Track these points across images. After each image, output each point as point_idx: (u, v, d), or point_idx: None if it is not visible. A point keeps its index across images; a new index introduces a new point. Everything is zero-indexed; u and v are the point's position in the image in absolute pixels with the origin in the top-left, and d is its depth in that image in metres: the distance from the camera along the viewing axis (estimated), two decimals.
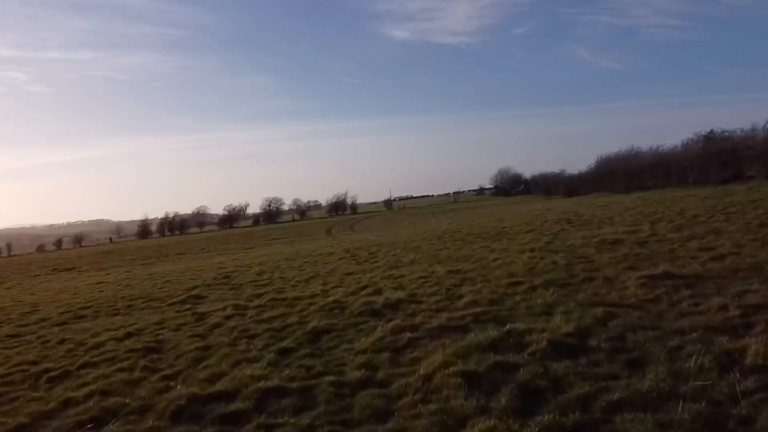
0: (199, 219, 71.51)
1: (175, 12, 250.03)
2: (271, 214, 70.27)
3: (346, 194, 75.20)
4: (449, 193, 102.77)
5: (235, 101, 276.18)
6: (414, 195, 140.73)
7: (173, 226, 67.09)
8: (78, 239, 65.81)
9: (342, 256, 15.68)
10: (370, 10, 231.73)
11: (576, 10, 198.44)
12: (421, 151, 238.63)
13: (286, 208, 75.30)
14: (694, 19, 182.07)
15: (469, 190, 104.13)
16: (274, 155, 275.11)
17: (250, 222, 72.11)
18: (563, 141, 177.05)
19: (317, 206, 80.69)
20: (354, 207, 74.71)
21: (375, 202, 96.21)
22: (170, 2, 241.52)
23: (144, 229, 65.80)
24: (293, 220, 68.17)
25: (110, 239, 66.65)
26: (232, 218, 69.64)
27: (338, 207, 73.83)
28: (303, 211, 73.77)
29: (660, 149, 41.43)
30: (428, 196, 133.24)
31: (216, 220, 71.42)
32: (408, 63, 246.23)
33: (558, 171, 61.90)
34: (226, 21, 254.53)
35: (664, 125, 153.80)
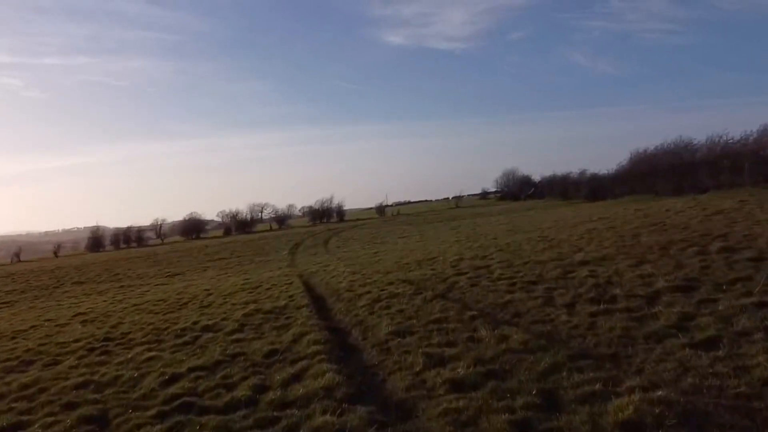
0: (191, 225, 61.35)
1: (171, 17, 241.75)
2: (244, 223, 60.50)
3: (331, 199, 65.43)
4: (448, 198, 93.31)
5: (232, 106, 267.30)
6: (412, 200, 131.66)
7: (129, 237, 57.36)
8: (17, 253, 56.18)
9: (209, 361, 6.28)
10: (366, 15, 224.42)
11: (570, 15, 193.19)
12: (418, 155, 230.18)
13: (279, 212, 66.19)
14: (688, 23, 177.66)
15: (469, 195, 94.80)
16: (272, 160, 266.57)
17: (221, 231, 62.78)
18: (560, 145, 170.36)
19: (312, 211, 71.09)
20: (341, 214, 64.99)
21: (370, 208, 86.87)
22: (166, 8, 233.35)
23: (95, 241, 56.07)
24: (270, 230, 58.84)
25: (55, 253, 56.93)
26: (199, 227, 59.87)
27: (323, 214, 64.07)
28: (282, 219, 64.04)
29: (723, 139, 32.22)
30: (427, 201, 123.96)
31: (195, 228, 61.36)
32: (404, 68, 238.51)
33: (578, 171, 52.89)
34: (221, 26, 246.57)
35: (661, 129, 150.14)
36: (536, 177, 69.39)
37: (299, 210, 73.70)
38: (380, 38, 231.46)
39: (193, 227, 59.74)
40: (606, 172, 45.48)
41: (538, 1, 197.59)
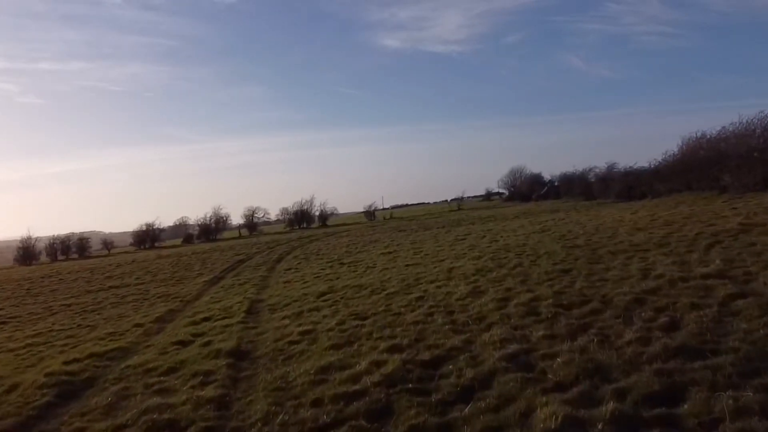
0: (144, 233, 52.04)
1: (167, 23, 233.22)
2: (209, 230, 51.10)
3: (311, 201, 55.77)
4: (447, 200, 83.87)
5: (228, 111, 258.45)
6: (409, 203, 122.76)
7: (68, 247, 47.92)
8: None
9: None
10: (362, 19, 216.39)
11: (567, 18, 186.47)
12: (415, 159, 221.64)
13: (271, 218, 58.18)
14: (685, 27, 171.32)
15: (469, 197, 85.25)
16: (269, 165, 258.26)
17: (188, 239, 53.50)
18: (559, 148, 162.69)
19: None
20: (324, 218, 55.56)
21: (362, 211, 77.60)
22: (161, 13, 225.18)
23: (26, 252, 46.65)
24: (239, 236, 49.77)
25: None
26: (154, 236, 50.43)
27: (302, 218, 54.67)
28: (253, 225, 54.58)
29: None
30: (424, 203, 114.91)
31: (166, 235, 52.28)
32: (400, 72, 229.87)
33: (606, 165, 43.85)
34: (217, 31, 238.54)
35: (659, 133, 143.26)
36: (545, 176, 60.85)
37: (256, 215, 65.88)
38: (376, 42, 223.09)
39: (146, 235, 50.19)
40: (648, 164, 36.27)
41: (533, 4, 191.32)
